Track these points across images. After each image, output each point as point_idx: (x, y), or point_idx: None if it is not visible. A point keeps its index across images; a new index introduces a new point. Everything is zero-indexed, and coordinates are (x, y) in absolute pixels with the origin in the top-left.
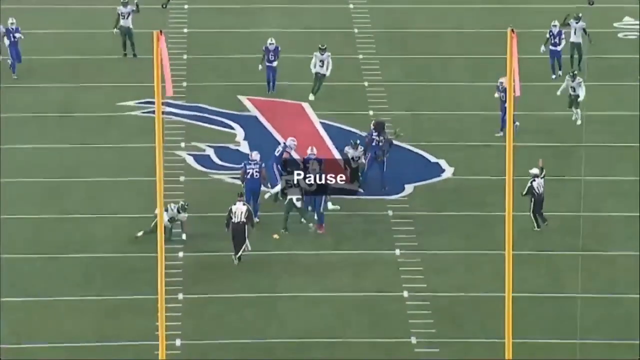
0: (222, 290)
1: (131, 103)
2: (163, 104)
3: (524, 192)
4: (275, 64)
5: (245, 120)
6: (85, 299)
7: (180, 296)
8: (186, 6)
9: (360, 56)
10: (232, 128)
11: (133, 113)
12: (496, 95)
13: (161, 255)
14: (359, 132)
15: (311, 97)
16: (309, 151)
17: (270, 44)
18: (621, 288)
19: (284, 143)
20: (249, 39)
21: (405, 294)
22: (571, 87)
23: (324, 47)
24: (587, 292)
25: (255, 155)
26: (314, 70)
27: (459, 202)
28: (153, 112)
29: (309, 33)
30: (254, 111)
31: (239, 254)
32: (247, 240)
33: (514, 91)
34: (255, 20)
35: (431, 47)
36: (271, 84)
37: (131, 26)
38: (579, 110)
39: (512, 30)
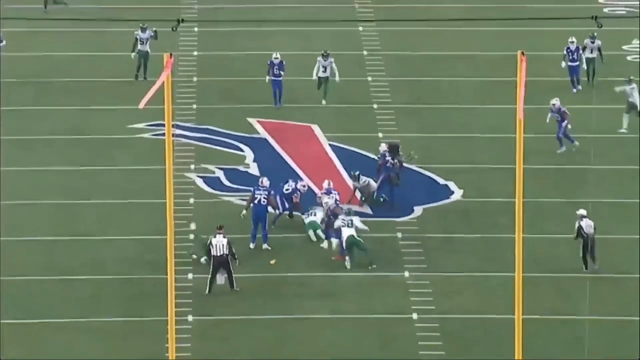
0: (231, 312)
1: (141, 125)
2: (173, 126)
3: (575, 235)
4: (280, 78)
5: (255, 142)
6: (95, 320)
7: (190, 318)
8: (196, 29)
9: (369, 78)
10: (241, 150)
11: (143, 135)
12: (549, 116)
13: (171, 277)
14: (369, 154)
15: (323, 102)
16: (325, 185)
17: (275, 58)
18: (631, 311)
19: (295, 186)
20: (259, 61)
21: (415, 316)
22: (627, 91)
23: (326, 54)
24: (597, 314)
25: (265, 182)
26: (316, 76)
27: (468, 224)
28: (163, 134)
29: (317, 55)
30: (263, 133)
31: (234, 284)
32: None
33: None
34: (265, 43)
35: (440, 69)
36: (277, 98)
37: (149, 50)
38: (628, 117)
39: (522, 53)
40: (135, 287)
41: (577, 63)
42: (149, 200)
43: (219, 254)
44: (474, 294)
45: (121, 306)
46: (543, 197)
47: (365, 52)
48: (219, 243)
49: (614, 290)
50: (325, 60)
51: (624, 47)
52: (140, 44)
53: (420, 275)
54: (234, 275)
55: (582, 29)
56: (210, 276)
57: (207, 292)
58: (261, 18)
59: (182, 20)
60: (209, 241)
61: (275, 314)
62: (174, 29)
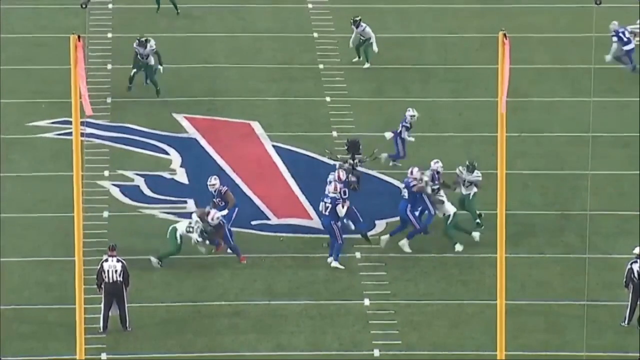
0: (153, 349)
1: (43, 123)
2: (82, 123)
3: (624, 282)
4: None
5: (182, 143)
6: None
7: (104, 356)
8: (110, 6)
9: (321, 66)
10: (166, 153)
11: (46, 135)
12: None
13: (80, 307)
14: (320, 157)
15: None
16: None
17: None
18: (633, 344)
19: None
20: (186, 45)
21: (377, 352)
22: None
23: (357, 20)
24: (595, 349)
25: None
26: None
27: (440, 242)
28: (70, 134)
29: (258, 38)
30: (192, 132)
31: (127, 322)
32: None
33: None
34: (194, 23)
35: (405, 55)
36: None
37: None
38: None
39: (505, 35)
40: (36, 319)
41: (631, 45)
42: (53, 214)
43: (111, 281)
44: (446, 325)
45: (18, 343)
46: (530, 209)
47: (315, 35)
48: (112, 268)
49: (614, 321)
50: (358, 28)
51: (628, 28)
52: (141, 59)
53: (383, 304)
54: (127, 309)
55: (574, 6)
56: (102, 309)
57: (100, 329)
58: None
59: None
60: (99, 265)
61: (205, 351)
62: (84, 5)
